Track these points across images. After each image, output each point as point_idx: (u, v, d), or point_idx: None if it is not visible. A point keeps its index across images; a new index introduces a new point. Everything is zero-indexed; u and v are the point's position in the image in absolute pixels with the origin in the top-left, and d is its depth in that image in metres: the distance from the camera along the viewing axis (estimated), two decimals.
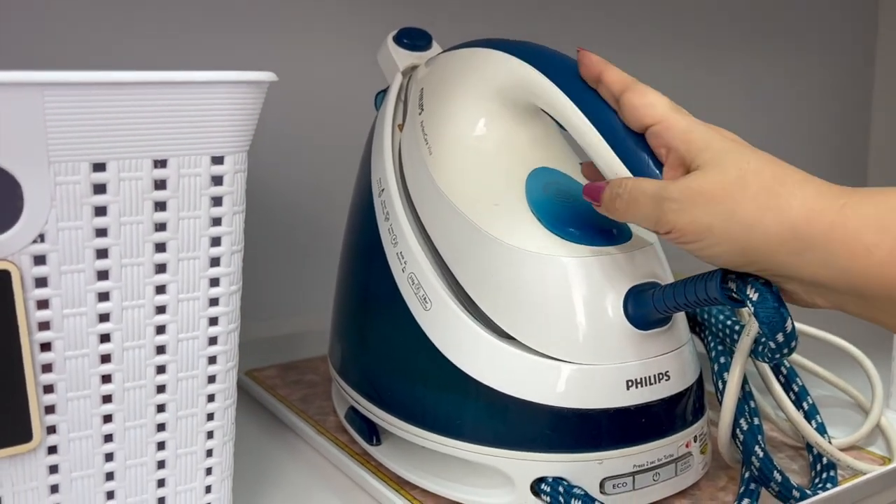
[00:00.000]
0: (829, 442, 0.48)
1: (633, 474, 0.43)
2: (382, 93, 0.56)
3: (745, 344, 0.45)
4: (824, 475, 0.47)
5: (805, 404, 0.51)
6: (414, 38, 0.56)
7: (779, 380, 0.52)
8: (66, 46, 0.63)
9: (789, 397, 0.51)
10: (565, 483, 0.42)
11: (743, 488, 0.44)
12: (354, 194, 0.54)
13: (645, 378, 0.43)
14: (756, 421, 0.46)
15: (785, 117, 1.09)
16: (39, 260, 0.34)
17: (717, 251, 0.37)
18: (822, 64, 1.11)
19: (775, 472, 0.44)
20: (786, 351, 0.38)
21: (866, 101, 1.17)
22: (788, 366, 0.52)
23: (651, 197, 0.38)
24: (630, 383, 0.42)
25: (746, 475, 0.45)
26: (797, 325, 0.52)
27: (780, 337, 0.37)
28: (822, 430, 0.50)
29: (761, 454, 0.44)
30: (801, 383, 0.52)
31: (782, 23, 1.06)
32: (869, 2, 1.14)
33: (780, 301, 0.37)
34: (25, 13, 0.61)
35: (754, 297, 0.37)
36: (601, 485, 0.42)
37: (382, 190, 0.50)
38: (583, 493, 0.41)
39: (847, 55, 1.13)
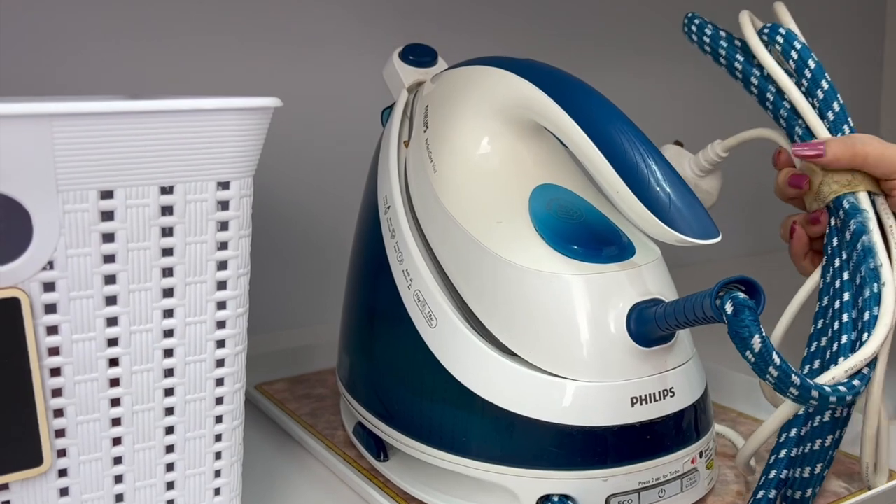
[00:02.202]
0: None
1: (638, 491, 0.43)
2: (389, 109, 0.56)
3: None
4: None
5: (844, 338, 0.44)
6: (419, 55, 0.56)
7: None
8: (73, 74, 0.64)
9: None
10: (570, 501, 0.42)
11: (752, 500, 0.44)
12: (361, 211, 0.54)
13: (649, 395, 0.43)
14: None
15: None
16: (49, 287, 0.35)
17: None
18: (829, 67, 1.10)
19: (794, 375, 0.38)
20: (769, 378, 0.37)
21: (874, 103, 1.17)
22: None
23: None
24: (634, 400, 0.43)
25: (761, 481, 0.44)
26: None
27: (749, 356, 0.36)
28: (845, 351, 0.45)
29: (779, 362, 0.39)
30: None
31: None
32: (876, 4, 1.13)
33: (755, 318, 0.36)
34: (33, 42, 0.62)
35: (729, 310, 0.37)
36: (606, 502, 0.43)
37: (388, 207, 0.50)
38: None
39: (855, 58, 1.13)
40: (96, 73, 0.65)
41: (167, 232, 0.36)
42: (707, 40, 0.53)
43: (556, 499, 0.42)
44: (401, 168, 0.52)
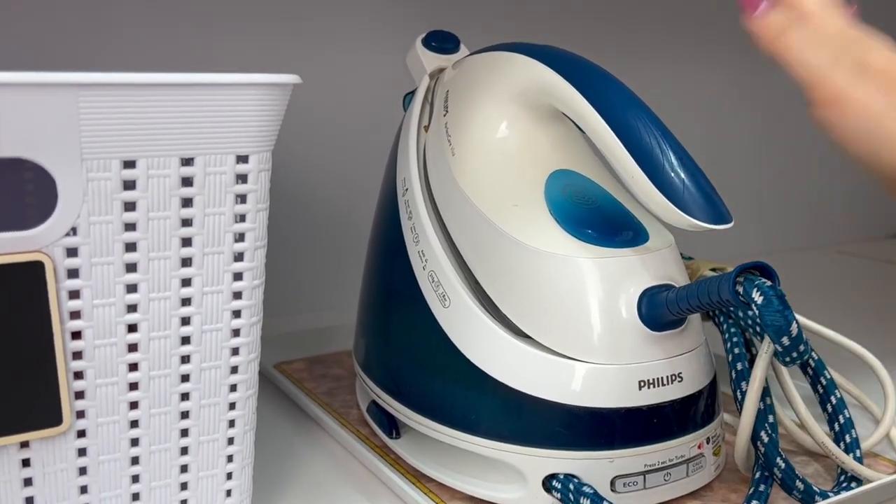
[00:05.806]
0: (859, 458, 0.48)
1: (643, 473, 0.43)
2: (410, 94, 0.57)
3: (765, 349, 0.45)
4: (845, 485, 0.47)
5: (841, 417, 0.50)
6: (442, 41, 0.57)
7: (817, 388, 0.52)
8: (99, 55, 0.65)
9: (826, 406, 0.51)
10: (576, 481, 0.42)
11: (752, 489, 0.44)
12: (380, 193, 0.55)
13: (657, 379, 0.43)
14: (775, 435, 0.46)
15: (795, 117, 1.08)
16: (72, 252, 0.36)
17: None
18: None
19: (798, 480, 0.44)
20: (794, 355, 0.38)
21: None
22: (829, 377, 0.51)
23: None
24: (643, 384, 0.43)
25: (757, 475, 0.45)
26: (814, 326, 0.52)
27: (785, 340, 0.38)
28: (854, 445, 0.49)
29: (783, 465, 0.44)
30: (839, 396, 0.51)
31: None
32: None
33: (786, 304, 0.37)
34: (61, 18, 0.64)
35: (759, 299, 0.37)
36: (612, 483, 0.43)
37: (406, 189, 0.51)
38: (592, 491, 0.42)
39: None
40: (122, 55, 0.66)
41: (187, 203, 0.37)
42: None
43: (561, 477, 0.43)
44: (420, 151, 0.52)
